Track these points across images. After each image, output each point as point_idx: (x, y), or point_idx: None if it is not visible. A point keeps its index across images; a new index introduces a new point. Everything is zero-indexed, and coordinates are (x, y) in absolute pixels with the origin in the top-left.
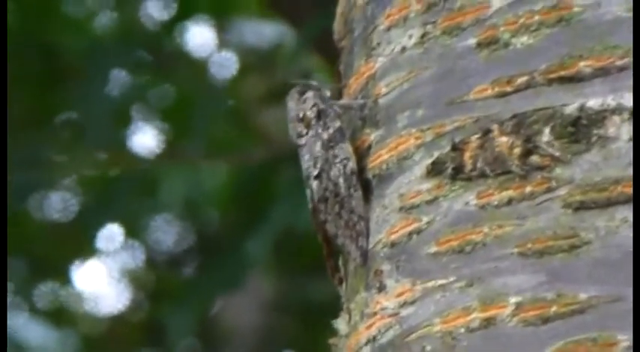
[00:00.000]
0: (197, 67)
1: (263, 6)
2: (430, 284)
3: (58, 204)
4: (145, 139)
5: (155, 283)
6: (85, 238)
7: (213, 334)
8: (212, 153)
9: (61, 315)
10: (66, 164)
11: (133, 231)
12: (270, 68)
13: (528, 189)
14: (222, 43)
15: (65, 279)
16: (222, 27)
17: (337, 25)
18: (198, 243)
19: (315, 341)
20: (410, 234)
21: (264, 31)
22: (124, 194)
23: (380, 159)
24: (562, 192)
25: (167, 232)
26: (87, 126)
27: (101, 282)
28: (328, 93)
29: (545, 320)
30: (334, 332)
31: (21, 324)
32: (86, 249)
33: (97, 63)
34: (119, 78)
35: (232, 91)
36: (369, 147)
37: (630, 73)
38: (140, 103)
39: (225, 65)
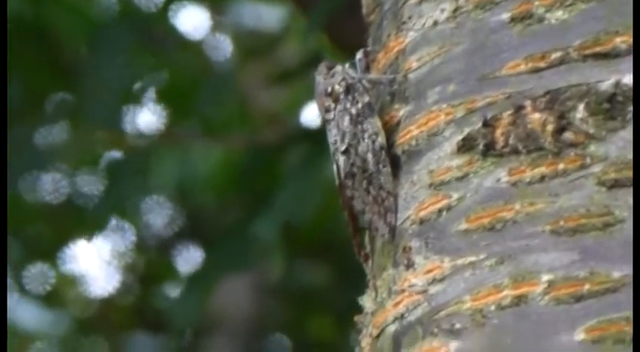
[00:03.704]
0: (193, 49)
1: None
2: (460, 261)
3: (50, 185)
4: (142, 122)
5: (145, 266)
6: (82, 221)
7: (205, 318)
8: (209, 135)
9: (51, 297)
10: (60, 147)
11: (124, 214)
12: (272, 50)
13: (561, 166)
14: (219, 26)
15: (56, 261)
16: (219, 9)
17: None
18: (190, 226)
19: (306, 326)
20: (439, 210)
21: (264, 14)
22: (122, 177)
23: (409, 134)
24: (596, 169)
25: (158, 214)
26: (85, 108)
27: (92, 265)
28: (357, 68)
29: (578, 298)
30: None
31: (12, 306)
32: (82, 230)
33: (94, 45)
34: (117, 60)
35: (232, 74)
36: (398, 122)
37: None
38: (137, 86)
39: (222, 48)
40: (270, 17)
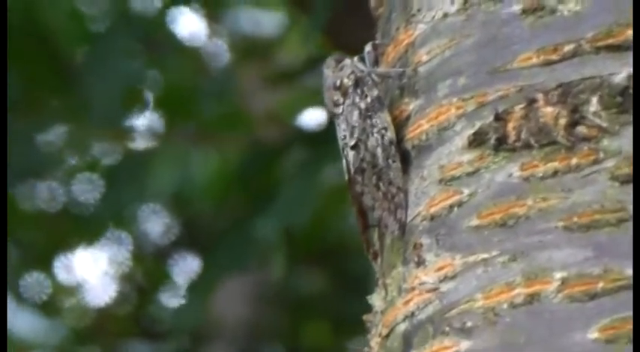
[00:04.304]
0: (191, 55)
1: None
2: (472, 258)
3: (46, 193)
4: (140, 127)
5: (142, 275)
6: (79, 228)
7: (202, 326)
8: (207, 139)
9: (48, 306)
10: (59, 150)
11: (121, 222)
12: (270, 54)
13: (574, 160)
14: (217, 32)
15: (52, 270)
16: (216, 14)
17: None
18: (187, 235)
19: (302, 332)
20: (450, 206)
21: (261, 19)
22: (119, 183)
23: (419, 129)
24: (609, 164)
25: (155, 223)
26: (84, 112)
27: (89, 274)
28: (366, 62)
29: (592, 296)
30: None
31: (8, 315)
32: (79, 239)
33: (93, 49)
34: (115, 64)
35: (231, 76)
36: (408, 117)
37: None
38: (135, 90)
39: (219, 53)
40: (268, 23)
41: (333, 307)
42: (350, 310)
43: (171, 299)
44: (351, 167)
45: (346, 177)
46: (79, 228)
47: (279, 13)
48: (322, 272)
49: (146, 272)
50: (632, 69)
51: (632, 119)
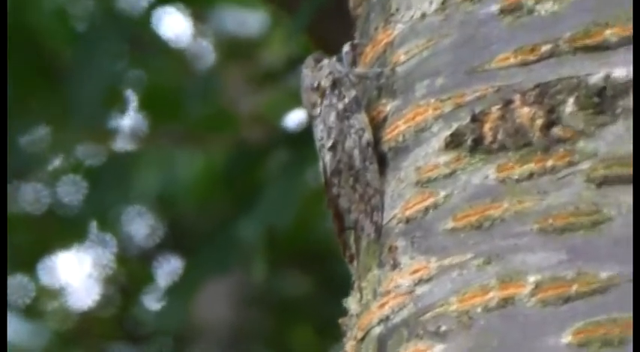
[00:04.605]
0: (176, 55)
1: None
2: (447, 261)
3: (30, 195)
4: (124, 127)
5: (126, 277)
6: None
7: (186, 328)
8: (191, 139)
9: (31, 309)
10: (44, 152)
11: (105, 224)
12: (255, 54)
13: (550, 162)
14: (201, 31)
15: (36, 273)
16: (201, 15)
17: None
18: (171, 237)
19: (287, 335)
20: (426, 209)
21: (246, 19)
22: (103, 184)
23: (396, 130)
24: (585, 166)
25: (139, 225)
26: (67, 112)
27: (72, 276)
28: (344, 62)
29: (565, 299)
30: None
31: None
32: (63, 241)
33: (77, 49)
34: (100, 64)
35: (216, 76)
36: (385, 118)
37: None
38: (120, 90)
39: (204, 53)
40: (253, 23)
41: (317, 309)
42: (334, 313)
43: (155, 302)
44: (328, 169)
45: (323, 179)
46: (63, 230)
47: (263, 12)
48: (306, 275)
49: (130, 275)
50: (609, 69)
51: (608, 120)
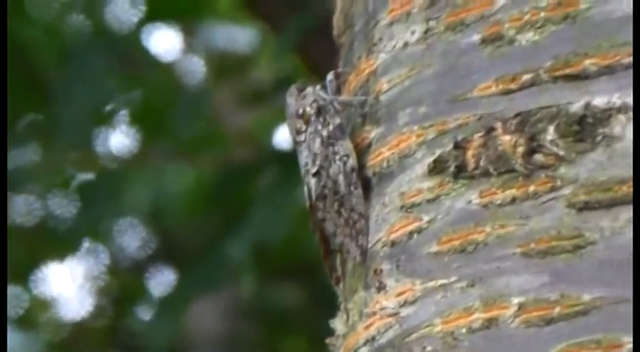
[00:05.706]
0: (166, 70)
1: (237, 8)
2: (431, 284)
3: (22, 207)
4: (114, 143)
5: (119, 289)
6: (55, 243)
7: (178, 340)
8: (182, 156)
9: (24, 320)
10: (32, 168)
11: (97, 236)
12: (244, 71)
13: (532, 188)
14: (191, 47)
15: (29, 284)
16: (191, 30)
17: (337, 21)
18: (163, 249)
19: (279, 347)
20: (410, 233)
21: (236, 35)
22: (95, 199)
23: (380, 156)
24: (566, 191)
25: (131, 237)
26: (57, 129)
27: (65, 288)
28: (328, 90)
29: (549, 321)
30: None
31: None
32: (55, 253)
33: (67, 65)
34: (89, 80)
35: (206, 94)
36: (369, 144)
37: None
38: (110, 107)
39: (194, 69)
40: (243, 38)
41: (308, 322)
42: (326, 325)
43: (147, 313)
44: (313, 194)
45: (307, 204)
46: (56, 242)
47: (253, 28)
48: (298, 287)
49: (122, 286)
50: (589, 98)
51: (589, 147)
